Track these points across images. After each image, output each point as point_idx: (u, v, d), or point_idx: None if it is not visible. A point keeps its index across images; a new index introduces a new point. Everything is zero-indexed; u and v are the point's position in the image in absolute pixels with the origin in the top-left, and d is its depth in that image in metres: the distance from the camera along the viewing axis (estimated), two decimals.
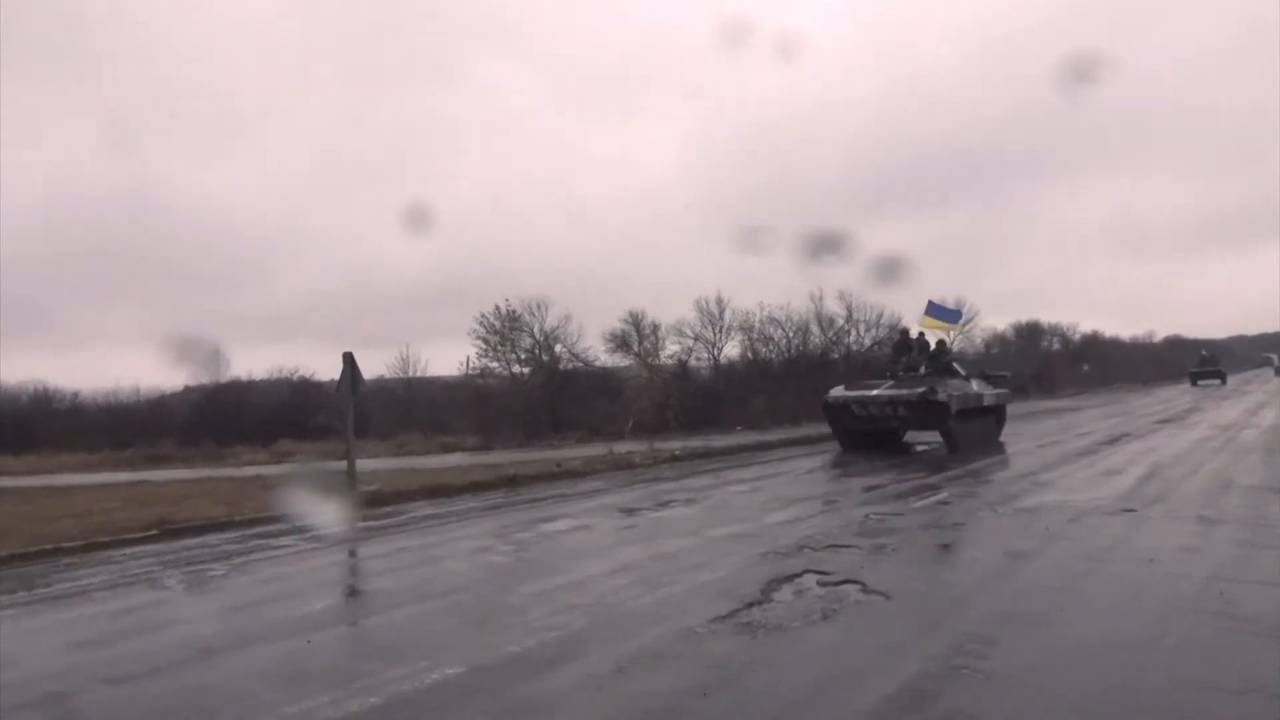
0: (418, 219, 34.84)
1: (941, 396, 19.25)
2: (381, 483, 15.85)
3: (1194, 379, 67.14)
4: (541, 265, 58.00)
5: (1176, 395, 47.67)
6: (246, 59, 75.28)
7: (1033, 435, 23.66)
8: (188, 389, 39.20)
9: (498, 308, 32.30)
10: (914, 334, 23.51)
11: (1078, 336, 69.34)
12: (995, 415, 22.85)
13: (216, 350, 37.54)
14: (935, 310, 23.90)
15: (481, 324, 32.12)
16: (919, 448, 20.79)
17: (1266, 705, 4.76)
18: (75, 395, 39.07)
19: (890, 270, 25.48)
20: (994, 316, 70.16)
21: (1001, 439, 22.86)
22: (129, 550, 10.97)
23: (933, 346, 22.82)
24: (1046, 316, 67.44)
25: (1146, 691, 5.00)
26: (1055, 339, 67.75)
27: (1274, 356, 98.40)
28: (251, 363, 51.95)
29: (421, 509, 13.80)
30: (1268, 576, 7.49)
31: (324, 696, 5.18)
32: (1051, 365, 60.25)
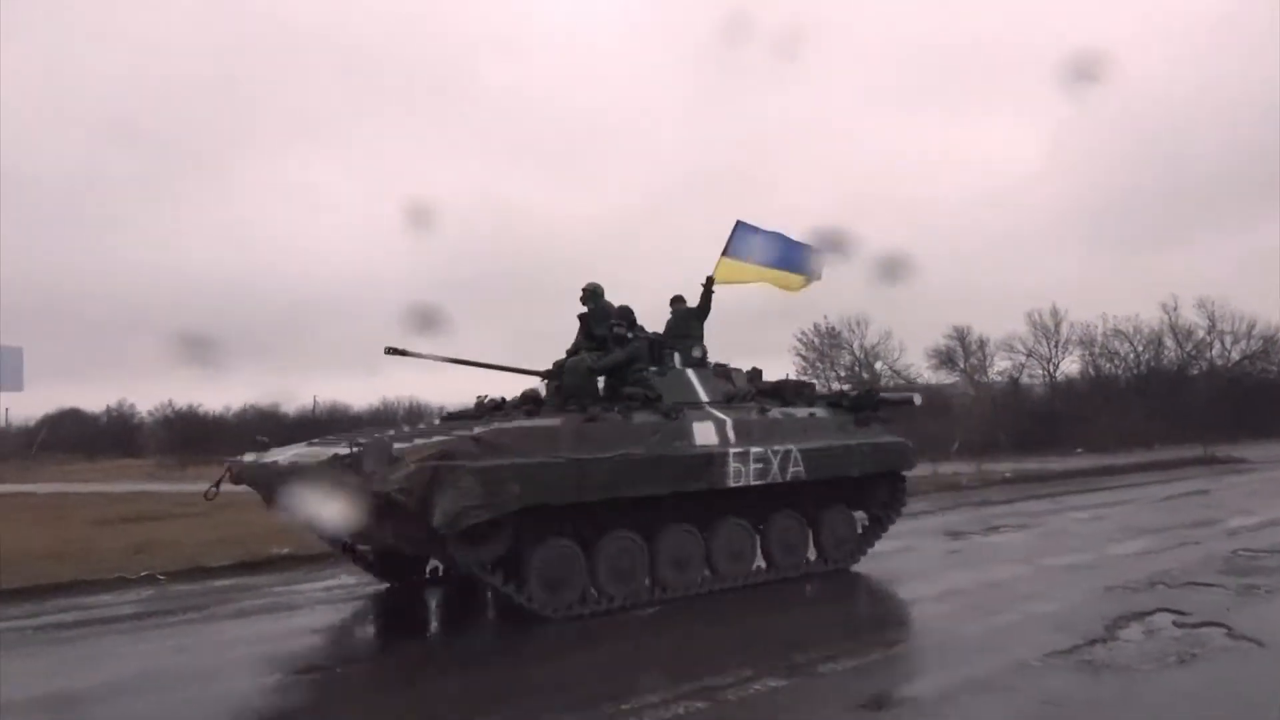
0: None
1: (383, 481, 6.80)
2: None
3: None
4: (855, 279, 57.06)
5: None
6: (588, 78, 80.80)
7: None
8: None
9: (816, 325, 32.45)
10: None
11: None
12: (828, 505, 9.54)
13: None
14: (747, 240, 10.38)
15: (801, 340, 32.41)
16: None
17: None
18: (442, 410, 44.07)
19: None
20: None
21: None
22: None
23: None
24: None
25: None
26: None
27: None
28: None
29: None
30: None
31: None
32: None
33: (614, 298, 9.39)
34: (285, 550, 11.04)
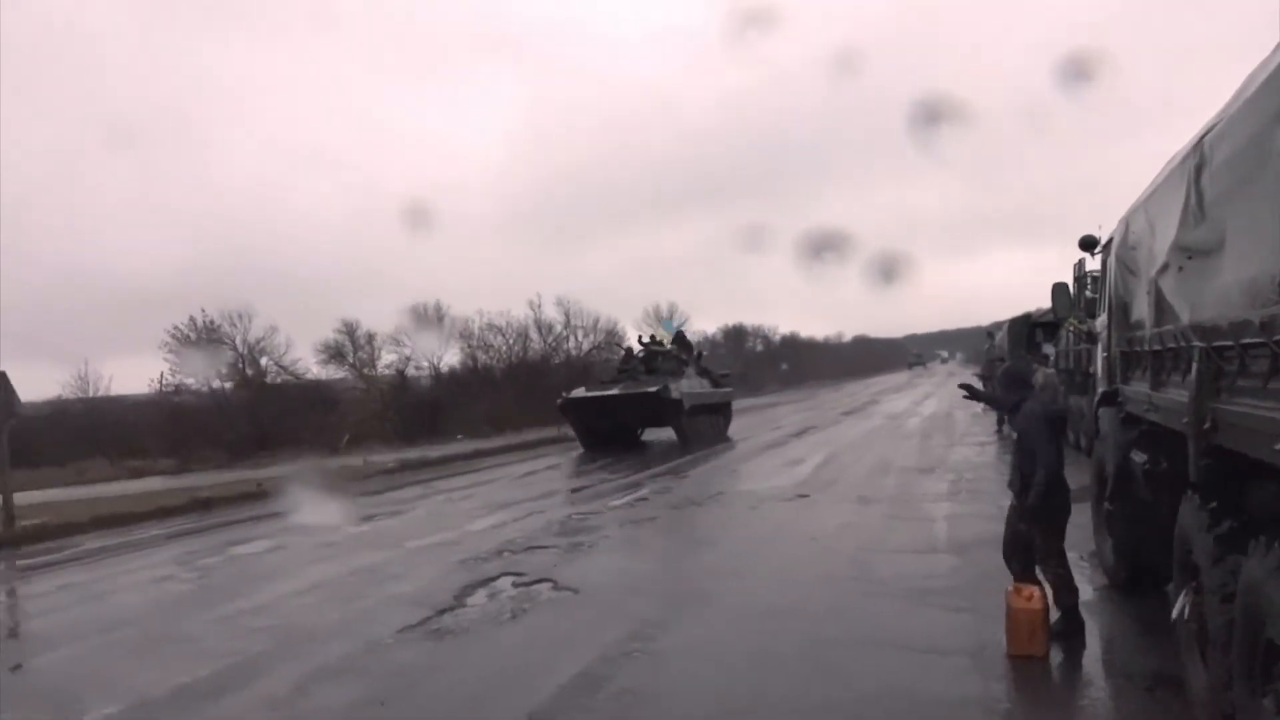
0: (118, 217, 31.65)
1: None
2: (50, 515, 14.29)
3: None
4: (248, 272, 54.23)
5: (860, 390, 52.75)
6: None
7: (736, 430, 25.31)
8: None
9: (193, 319, 30.04)
10: None
11: (778, 338, 74.83)
12: None
13: None
14: None
15: (175, 336, 29.76)
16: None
17: (881, 653, 5.51)
18: None
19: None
20: (707, 321, 73.56)
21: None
22: None
23: None
24: (754, 319, 71.44)
25: (787, 651, 5.62)
26: (759, 340, 72.73)
27: (943, 353, 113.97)
28: None
29: (92, 541, 12.54)
30: (900, 545, 8.57)
31: None
32: (754, 365, 64.59)
33: None
34: None
